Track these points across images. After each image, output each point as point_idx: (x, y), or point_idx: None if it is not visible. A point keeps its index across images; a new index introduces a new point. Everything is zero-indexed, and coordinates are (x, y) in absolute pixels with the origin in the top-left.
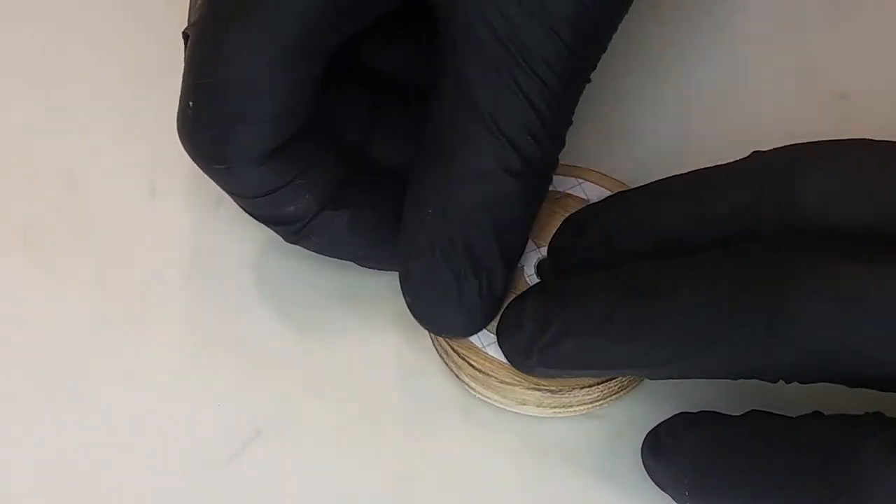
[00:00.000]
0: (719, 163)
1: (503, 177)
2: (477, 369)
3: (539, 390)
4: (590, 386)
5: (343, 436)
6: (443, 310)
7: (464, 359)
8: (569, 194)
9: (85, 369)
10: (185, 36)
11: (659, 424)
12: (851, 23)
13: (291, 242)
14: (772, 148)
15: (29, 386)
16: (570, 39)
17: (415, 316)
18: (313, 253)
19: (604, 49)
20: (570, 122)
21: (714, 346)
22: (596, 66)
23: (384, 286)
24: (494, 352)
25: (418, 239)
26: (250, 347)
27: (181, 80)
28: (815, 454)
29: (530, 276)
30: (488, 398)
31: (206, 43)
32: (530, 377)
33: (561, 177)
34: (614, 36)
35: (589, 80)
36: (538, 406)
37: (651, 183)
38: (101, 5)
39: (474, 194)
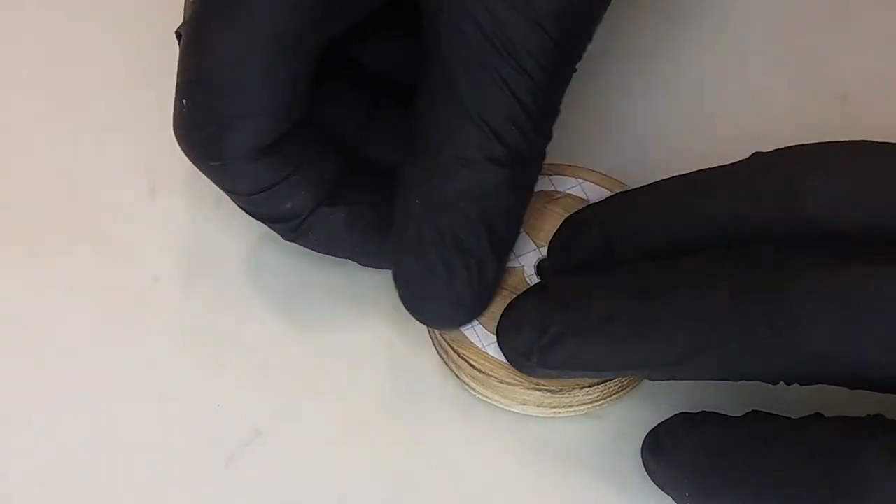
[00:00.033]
0: (720, 163)
1: (488, 166)
2: (477, 369)
3: (539, 390)
4: (590, 386)
5: (343, 436)
6: (434, 301)
7: (464, 359)
8: (569, 194)
9: (85, 369)
10: (179, 35)
11: (659, 424)
12: (851, 23)
13: (289, 240)
14: (772, 149)
15: (28, 385)
16: (555, 33)
17: (406, 307)
18: (313, 252)
19: (589, 40)
20: (558, 112)
21: (714, 347)
22: (582, 56)
23: (384, 285)
24: (494, 352)
25: (407, 230)
26: (250, 347)
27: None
28: (815, 455)
29: (530, 276)
30: (488, 398)
31: (197, 40)
32: (530, 377)
33: (561, 177)
34: (614, 36)
35: (575, 70)
36: (538, 406)
37: (651, 183)
38: (102, 5)
39: (460, 184)
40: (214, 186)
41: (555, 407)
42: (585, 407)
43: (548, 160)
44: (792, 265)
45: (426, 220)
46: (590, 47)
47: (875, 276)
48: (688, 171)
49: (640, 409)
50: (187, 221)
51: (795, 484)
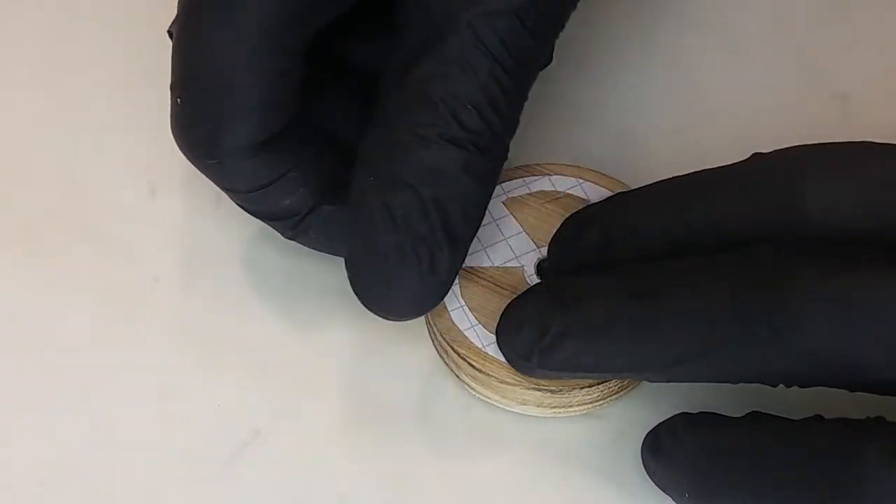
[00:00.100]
0: (720, 164)
1: (444, 146)
2: (477, 369)
3: (539, 390)
4: (590, 386)
5: (342, 436)
6: (384, 289)
7: (464, 359)
8: (569, 194)
9: (85, 369)
10: (171, 34)
11: (659, 424)
12: (851, 23)
13: (289, 238)
14: (772, 150)
15: (28, 385)
16: (531, 21)
17: (358, 295)
18: (313, 251)
19: (562, 27)
20: (525, 98)
21: (715, 349)
22: (553, 47)
23: None
24: (494, 352)
25: (359, 209)
26: (250, 347)
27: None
28: (815, 456)
29: (530, 276)
30: (488, 398)
31: (185, 37)
32: (530, 377)
33: (561, 177)
34: (612, 36)
35: (551, 61)
36: (538, 406)
37: (651, 184)
38: (102, 5)
39: (414, 162)
40: (214, 186)
41: (555, 407)
42: (585, 407)
43: (548, 160)
44: (792, 265)
45: (377, 199)
46: (589, 47)
47: (875, 277)
48: (687, 171)
49: (640, 409)
50: (187, 221)
51: (795, 484)
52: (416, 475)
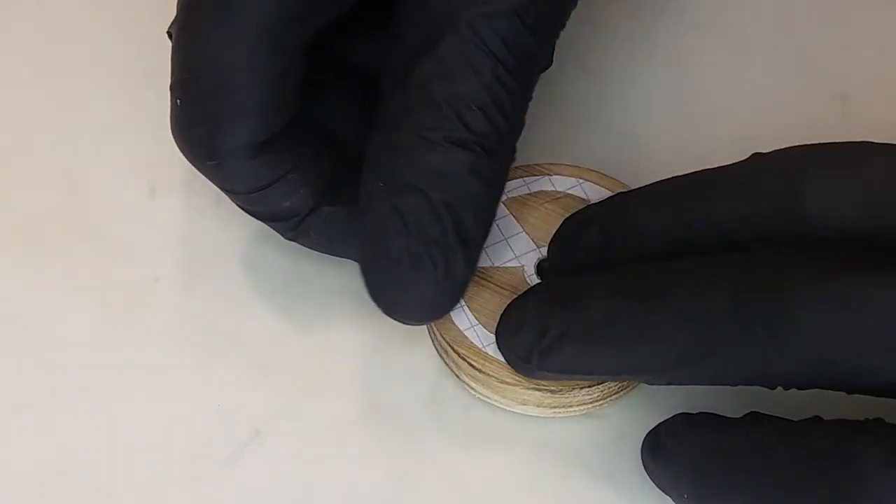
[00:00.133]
0: (720, 164)
1: (450, 148)
2: (477, 369)
3: (539, 390)
4: (590, 386)
5: (342, 436)
6: (398, 294)
7: (464, 359)
8: (569, 194)
9: (85, 369)
10: (170, 34)
11: (659, 425)
12: (851, 23)
13: (289, 239)
14: (772, 150)
15: (29, 385)
16: (531, 20)
17: (373, 300)
18: (313, 251)
19: (563, 26)
20: (530, 99)
21: (714, 351)
22: (553, 48)
23: None
24: (494, 352)
25: (369, 215)
26: (250, 347)
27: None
28: (815, 456)
29: (530, 276)
30: (488, 398)
31: (186, 37)
32: (530, 378)
33: (561, 177)
34: (613, 36)
35: (551, 63)
36: (538, 406)
37: (651, 184)
38: (102, 5)
39: (421, 166)
40: (214, 186)
41: (555, 407)
42: (585, 407)
43: (548, 160)
44: (792, 266)
45: (387, 204)
46: (589, 47)
47: (875, 279)
48: (687, 171)
49: (640, 409)
50: (187, 221)
51: (795, 484)
52: (416, 475)
